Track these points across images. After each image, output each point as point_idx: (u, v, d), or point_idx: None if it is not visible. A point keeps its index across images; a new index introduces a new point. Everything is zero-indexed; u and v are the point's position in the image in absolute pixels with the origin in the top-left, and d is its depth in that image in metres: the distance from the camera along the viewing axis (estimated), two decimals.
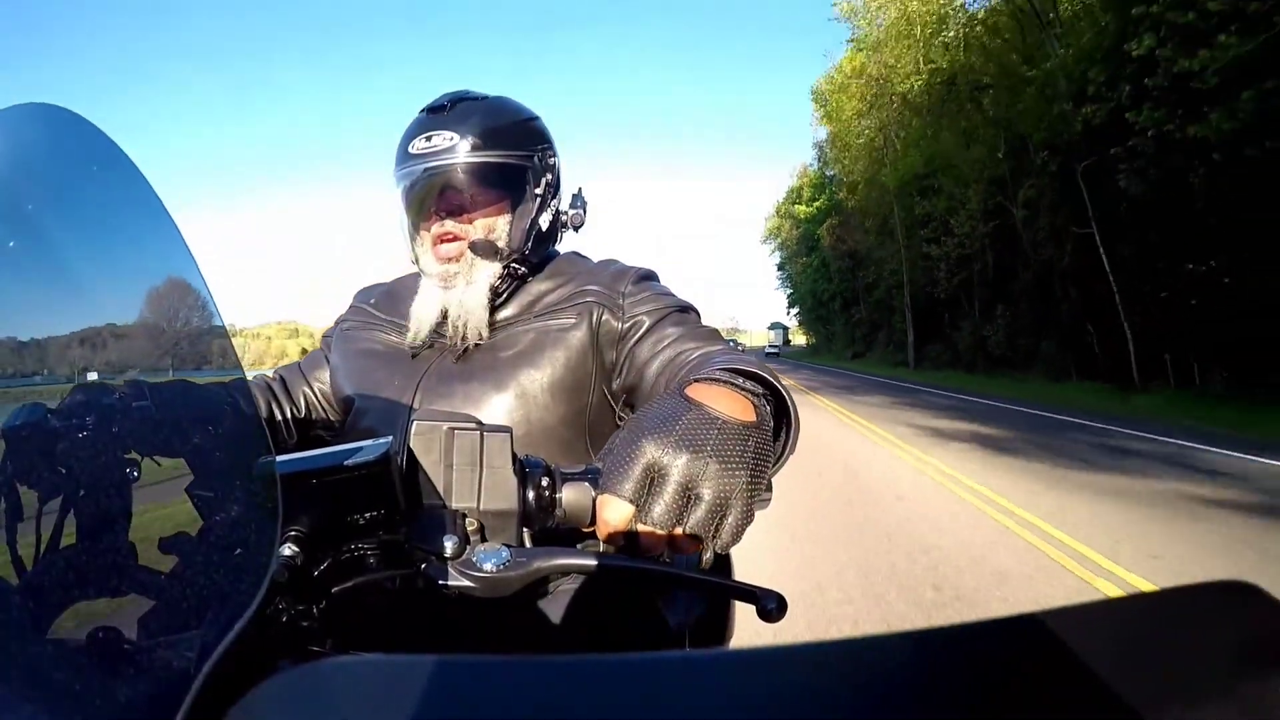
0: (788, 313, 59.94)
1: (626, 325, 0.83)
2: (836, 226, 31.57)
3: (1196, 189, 10.80)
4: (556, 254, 0.95)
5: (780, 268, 53.72)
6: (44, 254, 0.39)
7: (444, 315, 0.85)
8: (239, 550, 0.32)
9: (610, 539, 0.44)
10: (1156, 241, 11.99)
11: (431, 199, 0.85)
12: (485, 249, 0.84)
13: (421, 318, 0.86)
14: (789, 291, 52.83)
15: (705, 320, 0.88)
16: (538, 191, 0.86)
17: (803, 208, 41.88)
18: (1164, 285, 12.03)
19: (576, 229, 0.95)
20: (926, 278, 21.31)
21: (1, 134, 0.36)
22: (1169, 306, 11.92)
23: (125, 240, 0.37)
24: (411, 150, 0.82)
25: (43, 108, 0.35)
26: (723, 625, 1.00)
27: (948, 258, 19.12)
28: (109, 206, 0.37)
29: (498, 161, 0.82)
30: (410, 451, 0.48)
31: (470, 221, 0.85)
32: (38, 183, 0.38)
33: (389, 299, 0.96)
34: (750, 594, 0.44)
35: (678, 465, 0.42)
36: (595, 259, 0.96)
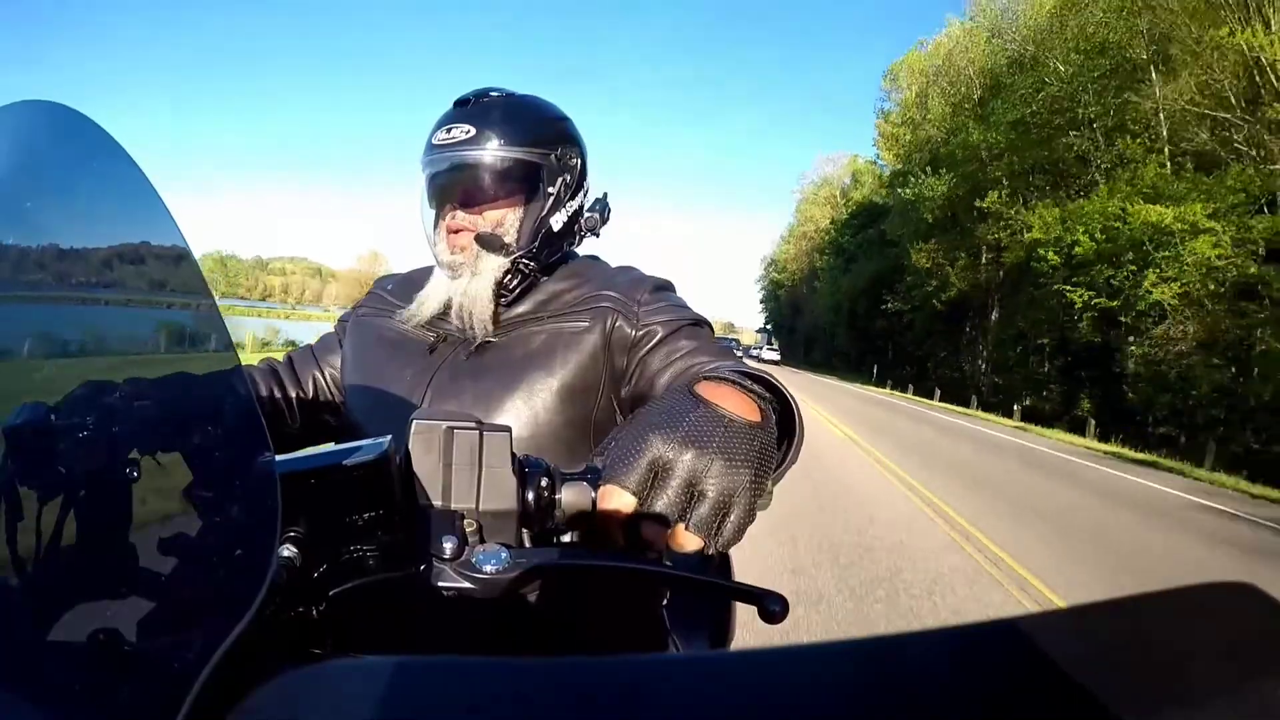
0: (765, 325, 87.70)
1: (640, 333, 0.83)
2: (788, 294, 59.64)
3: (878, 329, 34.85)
4: (575, 255, 0.96)
5: (762, 301, 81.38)
6: (44, 249, 0.38)
7: (448, 305, 0.86)
8: (239, 551, 0.32)
9: (610, 532, 0.44)
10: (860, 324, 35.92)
11: (447, 190, 0.87)
12: (490, 242, 0.85)
13: (424, 303, 0.88)
14: (765, 315, 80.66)
15: (706, 316, 0.88)
16: (551, 191, 0.87)
17: (776, 275, 64.55)
18: (861, 329, 37.38)
19: (594, 233, 0.95)
20: (814, 329, 49.19)
21: (2, 130, 0.36)
22: (867, 337, 37.26)
23: (124, 236, 0.37)
24: (434, 141, 0.84)
25: (44, 105, 0.35)
26: (723, 625, 1.00)
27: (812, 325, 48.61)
28: (108, 202, 0.37)
29: (510, 157, 0.83)
30: (410, 451, 0.48)
31: (481, 214, 0.86)
32: (38, 180, 0.38)
33: (406, 287, 0.96)
34: (752, 595, 0.44)
35: (683, 461, 0.42)
36: (614, 264, 0.97)
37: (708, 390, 0.48)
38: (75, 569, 0.33)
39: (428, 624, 0.57)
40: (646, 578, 0.45)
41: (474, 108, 0.84)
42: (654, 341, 0.82)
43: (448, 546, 0.45)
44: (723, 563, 1.07)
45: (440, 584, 0.44)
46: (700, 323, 0.86)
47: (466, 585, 0.44)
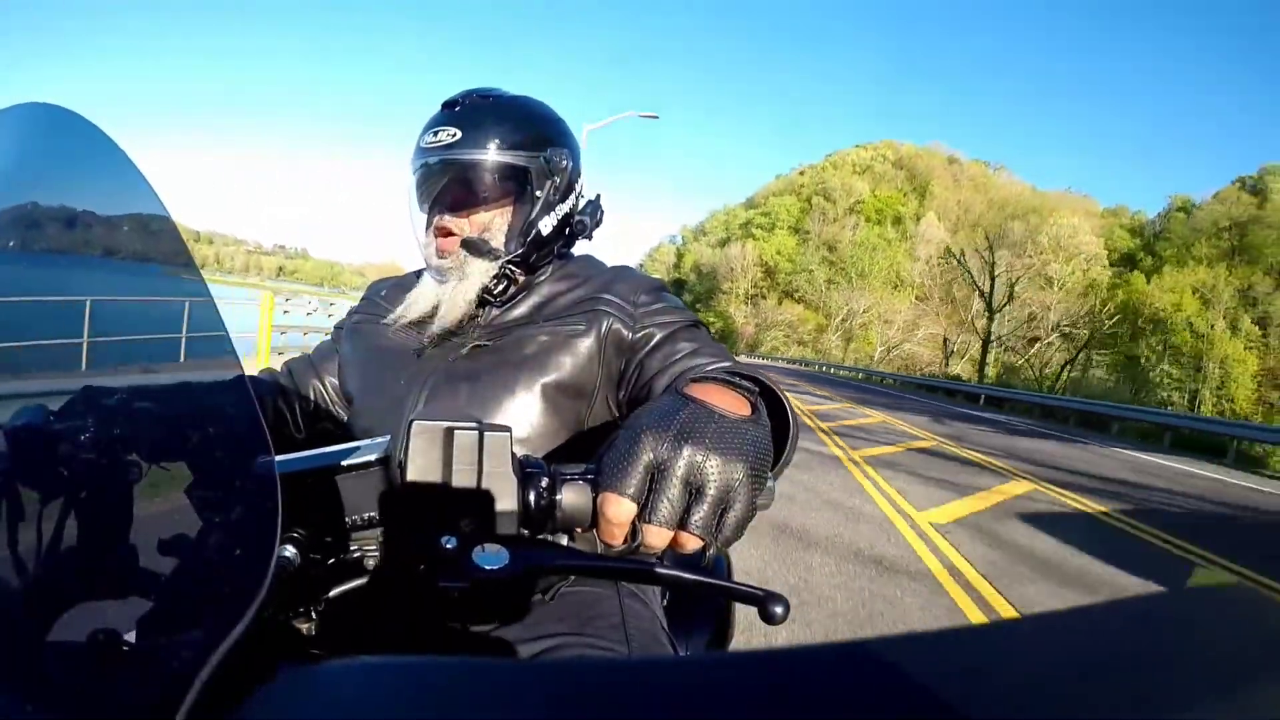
0: None
1: (637, 336, 0.83)
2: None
3: None
4: (571, 256, 0.95)
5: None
6: (46, 251, 0.39)
7: (436, 309, 0.86)
8: (239, 551, 0.32)
9: (612, 538, 0.44)
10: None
11: (434, 193, 0.86)
12: (476, 247, 0.84)
13: (412, 305, 0.88)
14: None
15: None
16: (539, 194, 0.86)
17: (679, 249, 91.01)
18: None
19: (585, 236, 0.95)
20: None
21: (3, 133, 0.36)
22: None
23: (124, 237, 0.37)
24: (422, 144, 0.83)
25: (44, 107, 0.35)
26: (723, 626, 1.00)
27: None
28: (110, 205, 0.37)
29: (496, 160, 0.82)
30: (409, 451, 0.48)
31: (468, 217, 0.85)
32: (39, 181, 0.38)
33: (399, 291, 0.96)
34: (753, 596, 0.44)
35: (679, 460, 0.41)
36: (609, 264, 0.96)
37: (697, 390, 0.48)
38: (76, 569, 0.33)
39: (427, 624, 0.57)
40: (647, 578, 0.44)
41: (462, 110, 0.83)
42: (651, 344, 0.82)
43: (448, 546, 0.45)
44: (722, 561, 1.07)
45: (440, 584, 0.44)
46: (697, 324, 0.86)
47: (466, 585, 0.44)
